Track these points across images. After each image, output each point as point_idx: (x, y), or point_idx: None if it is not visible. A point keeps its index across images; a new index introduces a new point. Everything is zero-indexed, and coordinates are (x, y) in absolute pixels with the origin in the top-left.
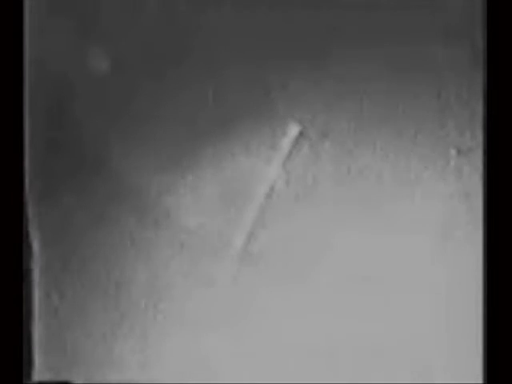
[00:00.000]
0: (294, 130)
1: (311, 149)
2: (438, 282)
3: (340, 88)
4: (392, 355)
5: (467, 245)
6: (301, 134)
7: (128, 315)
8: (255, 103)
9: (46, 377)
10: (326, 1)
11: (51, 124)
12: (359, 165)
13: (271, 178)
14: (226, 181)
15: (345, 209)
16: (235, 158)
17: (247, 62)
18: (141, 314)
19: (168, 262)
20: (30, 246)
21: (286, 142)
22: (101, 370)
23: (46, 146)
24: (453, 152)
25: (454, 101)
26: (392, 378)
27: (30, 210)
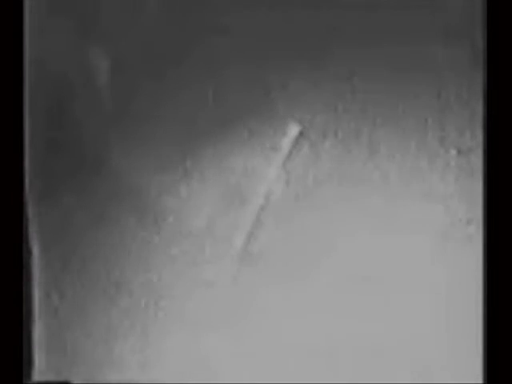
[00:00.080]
0: (294, 130)
1: (311, 149)
2: (438, 282)
3: (340, 88)
4: (392, 355)
5: (467, 245)
6: (301, 134)
7: (128, 315)
8: (255, 103)
9: (46, 377)
10: (326, 1)
11: (51, 124)
12: (359, 165)
13: (271, 178)
14: (226, 181)
15: (345, 209)
16: (235, 158)
17: (247, 62)
18: (141, 314)
19: (168, 262)
20: (29, 246)
21: (286, 142)
22: (101, 370)
23: (46, 146)
24: (453, 152)
25: (454, 101)
26: (392, 378)
27: (30, 210)
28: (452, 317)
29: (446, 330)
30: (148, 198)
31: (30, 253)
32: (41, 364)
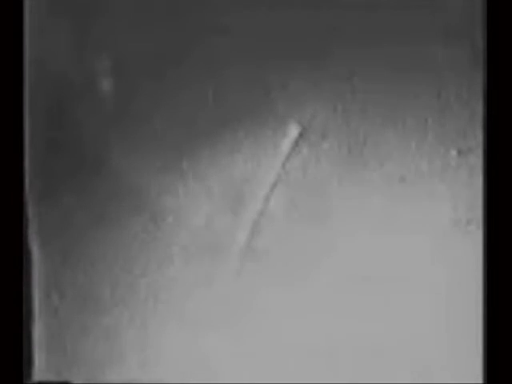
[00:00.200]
0: (293, 130)
1: (311, 149)
2: (438, 282)
3: (340, 88)
4: (392, 355)
5: (467, 245)
6: (300, 135)
7: (128, 315)
8: (255, 103)
9: (46, 377)
10: (326, 1)
11: (51, 124)
12: (359, 165)
13: (271, 178)
14: (226, 181)
15: (345, 209)
16: (235, 158)
17: (247, 62)
18: (141, 314)
19: (168, 262)
20: (29, 246)
21: (286, 143)
22: (101, 370)
23: (46, 146)
24: (453, 152)
25: (454, 101)
26: (392, 378)
27: (30, 210)
28: (452, 317)
29: (446, 330)
30: (148, 197)
31: (29, 252)
32: (41, 364)
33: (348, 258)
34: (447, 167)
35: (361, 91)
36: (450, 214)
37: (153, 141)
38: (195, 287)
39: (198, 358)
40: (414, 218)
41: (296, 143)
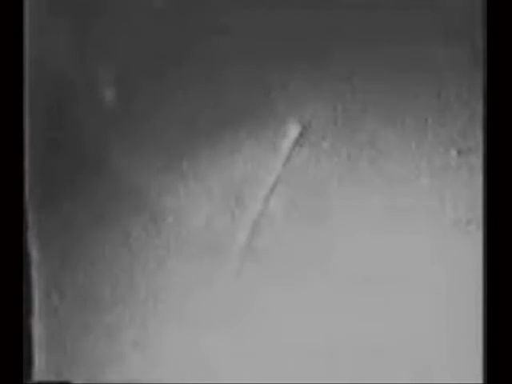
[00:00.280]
0: (294, 131)
1: (311, 149)
2: (438, 282)
3: (340, 88)
4: (392, 355)
5: (467, 245)
6: (301, 135)
7: (128, 315)
8: (255, 103)
9: (46, 377)
10: (326, 1)
11: (51, 124)
12: (359, 165)
13: (271, 178)
14: (226, 181)
15: (345, 209)
16: (235, 159)
17: (247, 62)
18: (141, 314)
19: (168, 262)
20: (29, 245)
21: (286, 143)
22: (101, 370)
23: (46, 146)
24: (453, 152)
25: (454, 101)
26: (392, 378)
27: (30, 210)
28: (452, 317)
29: (446, 330)
30: (148, 197)
31: (29, 253)
32: (41, 364)
33: (348, 257)
34: (447, 167)
35: (361, 91)
36: (450, 214)
37: (153, 141)
38: (195, 287)
39: (198, 358)
40: (413, 217)
41: (296, 143)
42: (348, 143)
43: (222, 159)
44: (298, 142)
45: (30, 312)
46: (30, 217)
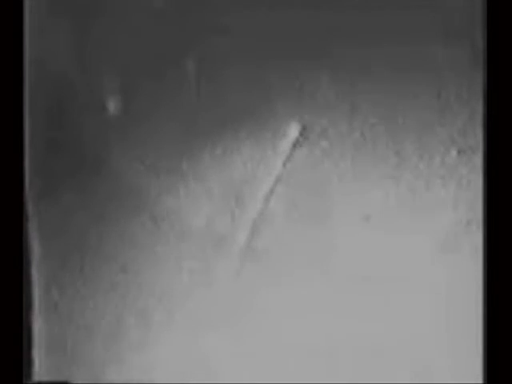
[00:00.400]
0: (294, 130)
1: (311, 149)
2: (438, 282)
3: (340, 88)
4: (392, 355)
5: (467, 245)
6: (301, 134)
7: (128, 315)
8: (255, 103)
9: (46, 377)
10: (326, 1)
11: (51, 124)
12: (359, 165)
13: (271, 178)
14: (226, 181)
15: (345, 208)
16: (235, 159)
17: (247, 62)
18: (141, 314)
19: (168, 262)
20: (29, 244)
21: (286, 143)
22: (101, 370)
23: (46, 146)
24: (453, 152)
25: (454, 101)
26: (392, 378)
27: (30, 209)
28: (452, 317)
29: (446, 330)
30: (148, 198)
31: (29, 253)
32: (41, 364)
33: (348, 257)
34: (447, 167)
35: (361, 91)
36: (450, 214)
37: (153, 141)
38: (195, 287)
39: (198, 358)
40: (414, 218)
41: (296, 143)
42: (348, 143)
43: (222, 159)
44: (298, 142)
45: (29, 312)
46: (30, 217)
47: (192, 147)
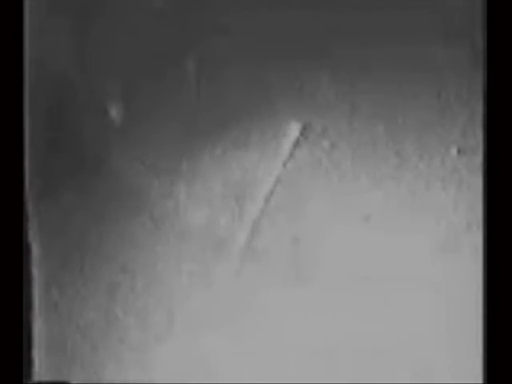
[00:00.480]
0: (294, 130)
1: (311, 149)
2: (438, 282)
3: (340, 88)
4: (392, 355)
5: (467, 245)
6: (301, 134)
7: (128, 314)
8: (255, 103)
9: (46, 377)
10: (326, 1)
11: (51, 124)
12: (359, 165)
13: (272, 177)
14: (226, 181)
15: (346, 208)
16: (235, 158)
17: (247, 62)
18: (141, 314)
19: (168, 262)
20: (29, 245)
21: (286, 142)
22: (101, 370)
23: (46, 146)
24: (453, 152)
25: (454, 101)
26: (392, 378)
27: (30, 209)
28: (452, 317)
29: (446, 330)
30: (148, 198)
31: (29, 253)
32: (41, 364)
33: (348, 257)
34: (447, 167)
35: (361, 91)
36: (450, 214)
37: (153, 141)
38: (195, 287)
39: (198, 358)
40: (414, 218)
41: (296, 143)
42: (348, 143)
43: (222, 159)
44: (299, 142)
45: (30, 313)
46: (30, 217)
47: (192, 147)
